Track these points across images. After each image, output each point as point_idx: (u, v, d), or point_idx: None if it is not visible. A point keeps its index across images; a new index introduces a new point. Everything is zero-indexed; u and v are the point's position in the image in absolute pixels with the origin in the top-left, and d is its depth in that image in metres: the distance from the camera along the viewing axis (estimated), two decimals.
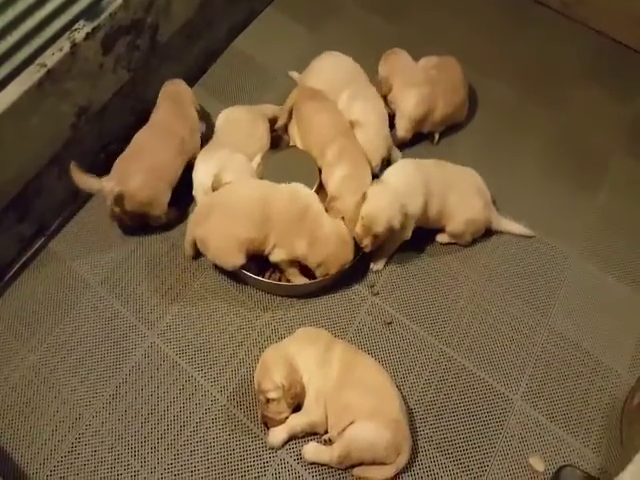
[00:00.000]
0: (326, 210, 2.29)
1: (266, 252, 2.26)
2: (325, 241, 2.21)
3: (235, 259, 2.20)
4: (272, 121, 2.64)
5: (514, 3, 3.34)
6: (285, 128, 2.66)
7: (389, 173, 2.34)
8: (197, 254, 2.33)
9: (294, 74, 2.93)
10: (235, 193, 2.25)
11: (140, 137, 2.40)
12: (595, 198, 2.70)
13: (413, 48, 2.83)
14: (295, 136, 2.60)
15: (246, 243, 2.18)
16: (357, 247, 2.30)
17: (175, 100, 2.52)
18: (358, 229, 2.23)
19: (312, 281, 2.29)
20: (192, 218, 2.28)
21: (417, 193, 2.29)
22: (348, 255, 2.26)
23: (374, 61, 2.77)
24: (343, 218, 2.28)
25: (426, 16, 3.26)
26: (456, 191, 2.39)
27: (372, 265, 2.44)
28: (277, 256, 2.25)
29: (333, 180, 2.37)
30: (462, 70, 2.76)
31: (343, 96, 2.60)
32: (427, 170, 2.36)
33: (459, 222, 2.40)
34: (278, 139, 2.66)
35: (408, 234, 2.34)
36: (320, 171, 2.47)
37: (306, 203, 2.24)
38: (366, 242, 2.23)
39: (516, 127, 2.89)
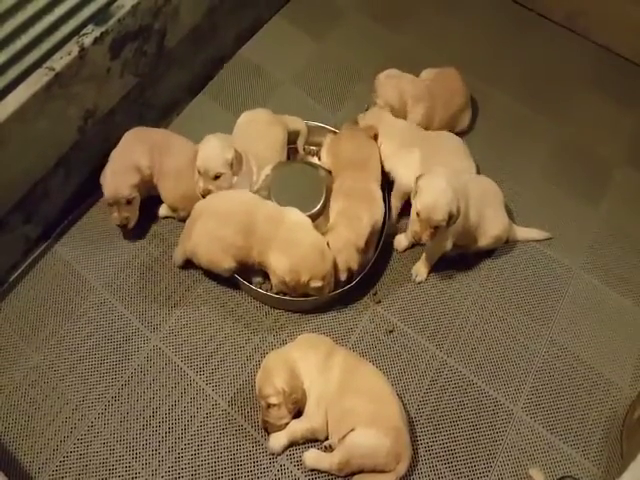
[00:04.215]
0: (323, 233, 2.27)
1: (255, 266, 2.27)
2: (296, 244, 2.18)
3: (225, 262, 2.21)
4: (293, 135, 2.61)
5: (517, 15, 3.35)
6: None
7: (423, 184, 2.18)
8: (186, 264, 2.36)
9: None
10: (222, 198, 2.27)
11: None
12: (598, 209, 2.70)
13: (417, 57, 2.85)
14: (323, 155, 2.56)
15: (233, 248, 2.19)
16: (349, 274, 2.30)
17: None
18: (415, 227, 2.16)
19: (306, 298, 2.27)
20: (183, 231, 2.31)
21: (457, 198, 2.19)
22: (322, 264, 2.18)
23: (379, 69, 2.74)
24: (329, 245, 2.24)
25: (430, 26, 3.27)
26: (490, 205, 2.37)
27: (414, 276, 2.44)
28: (273, 281, 2.26)
29: (332, 212, 2.35)
30: (462, 79, 2.74)
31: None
32: (464, 184, 2.26)
33: (489, 237, 2.39)
34: (293, 153, 2.65)
35: (449, 244, 2.30)
36: (329, 190, 2.43)
37: (285, 215, 2.24)
38: (425, 237, 2.15)
39: (519, 136, 2.89)
